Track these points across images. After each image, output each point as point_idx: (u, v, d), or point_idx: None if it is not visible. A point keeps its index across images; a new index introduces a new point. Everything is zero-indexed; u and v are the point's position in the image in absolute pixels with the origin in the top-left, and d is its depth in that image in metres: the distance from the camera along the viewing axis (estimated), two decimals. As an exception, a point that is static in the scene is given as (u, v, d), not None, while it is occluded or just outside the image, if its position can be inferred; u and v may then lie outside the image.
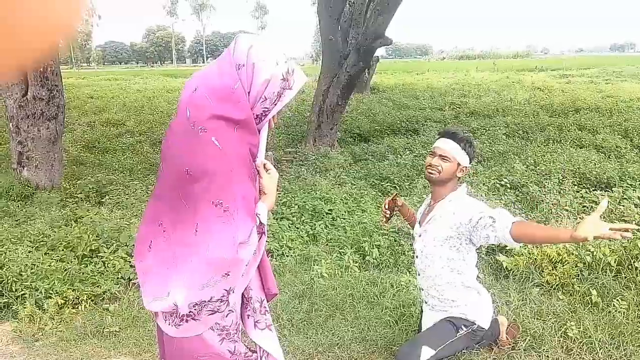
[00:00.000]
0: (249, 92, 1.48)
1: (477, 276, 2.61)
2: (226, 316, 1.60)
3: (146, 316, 3.20)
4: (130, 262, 3.86)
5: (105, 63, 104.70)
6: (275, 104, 1.52)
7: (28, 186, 6.59)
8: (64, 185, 6.71)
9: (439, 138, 2.47)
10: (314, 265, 3.84)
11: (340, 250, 4.25)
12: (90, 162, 8.34)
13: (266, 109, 1.53)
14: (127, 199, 5.94)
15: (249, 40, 1.50)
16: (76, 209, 5.51)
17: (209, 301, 1.54)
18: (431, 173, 2.42)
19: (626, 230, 1.85)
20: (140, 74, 39.14)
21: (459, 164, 2.38)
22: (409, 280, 3.50)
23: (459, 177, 2.46)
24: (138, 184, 6.64)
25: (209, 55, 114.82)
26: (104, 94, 19.71)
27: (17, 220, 5.05)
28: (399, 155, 8.14)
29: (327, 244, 4.43)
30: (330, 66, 9.50)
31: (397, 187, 6.40)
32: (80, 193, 6.34)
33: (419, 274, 2.63)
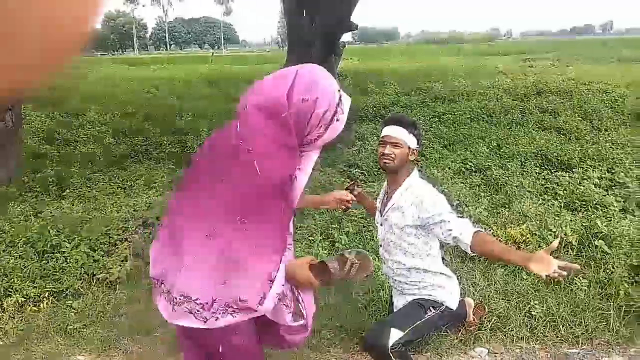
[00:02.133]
0: (308, 122, 1.56)
1: (443, 258, 2.64)
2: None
3: (111, 312, 3.13)
4: (93, 256, 3.76)
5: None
6: (327, 129, 1.60)
7: (-17, 180, 6.33)
8: (23, 179, 6.48)
9: (385, 126, 2.48)
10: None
11: (310, 238, 4.24)
12: (50, 155, 8.06)
13: (321, 134, 1.61)
14: (88, 191, 5.79)
15: (312, 74, 1.58)
16: (35, 204, 5.34)
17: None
18: (386, 162, 2.43)
19: (570, 269, 2.03)
20: (99, 62, 38.01)
21: (409, 148, 2.41)
22: (378, 266, 3.51)
23: (412, 161, 2.47)
24: (100, 175, 6.48)
25: (171, 42, 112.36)
26: (62, 83, 19.03)
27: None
28: (366, 141, 8.17)
29: (295, 232, 4.41)
30: (298, 54, 9.41)
31: (366, 172, 6.43)
32: (40, 187, 6.13)
33: (384, 263, 2.65)
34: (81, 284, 3.48)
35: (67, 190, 5.93)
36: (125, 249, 3.89)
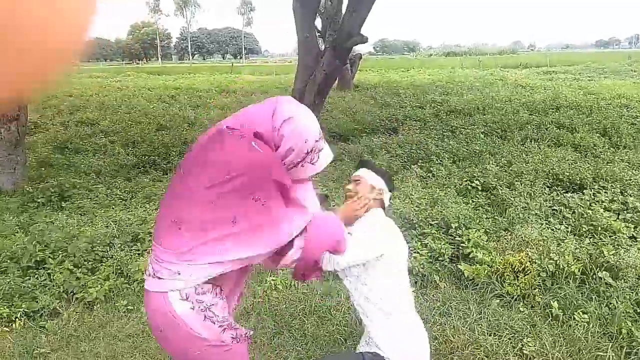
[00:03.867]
0: (274, 150, 1.62)
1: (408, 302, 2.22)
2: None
3: (84, 335, 3.02)
4: (76, 274, 3.67)
5: (90, 60, 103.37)
6: (296, 169, 1.65)
7: (-10, 190, 6.35)
8: (27, 189, 6.47)
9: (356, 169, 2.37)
10: (269, 276, 3.67)
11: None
12: (59, 164, 8.07)
13: (288, 167, 1.65)
14: (87, 203, 5.73)
15: (291, 111, 1.63)
16: (33, 215, 5.30)
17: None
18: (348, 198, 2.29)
19: None
20: (122, 72, 38.65)
21: (373, 187, 2.25)
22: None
23: (379, 201, 2.28)
24: (101, 187, 6.43)
25: (195, 52, 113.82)
26: (82, 93, 19.31)
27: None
28: (375, 155, 8.00)
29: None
30: (307, 64, 9.32)
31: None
32: (42, 197, 6.11)
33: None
34: (59, 303, 3.38)
35: (69, 202, 5.89)
36: (109, 266, 3.79)
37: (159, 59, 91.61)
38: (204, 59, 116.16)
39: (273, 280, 3.60)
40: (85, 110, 14.43)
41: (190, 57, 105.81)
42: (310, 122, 1.66)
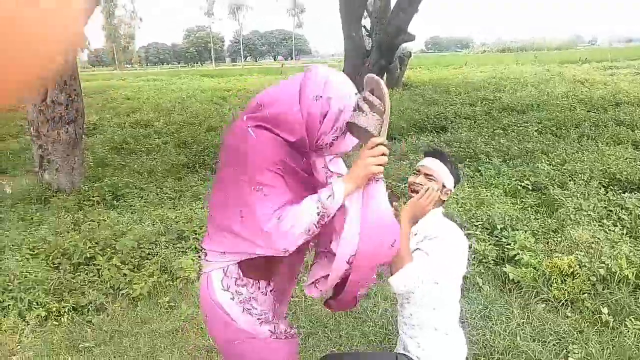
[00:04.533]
0: (321, 122, 1.53)
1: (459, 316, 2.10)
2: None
3: (126, 330, 3.12)
4: (123, 270, 3.80)
5: (148, 64, 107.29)
6: (344, 134, 1.58)
7: (49, 189, 6.68)
8: (84, 188, 6.77)
9: (425, 157, 2.12)
10: (305, 275, 3.66)
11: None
12: (115, 164, 8.41)
13: (335, 138, 1.58)
14: (138, 201, 5.94)
15: (326, 74, 1.55)
16: (88, 213, 5.53)
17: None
18: (414, 191, 2.08)
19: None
20: (178, 74, 39.83)
21: (444, 186, 2.03)
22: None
23: (443, 200, 2.07)
24: (153, 186, 6.64)
25: (247, 55, 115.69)
26: (140, 95, 20.06)
27: (29, 225, 5.09)
28: (421, 155, 7.85)
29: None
30: (353, 64, 9.31)
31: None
32: (97, 196, 6.37)
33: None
34: (105, 298, 3.51)
35: (122, 200, 6.12)
36: (154, 263, 3.90)
37: (212, 61, 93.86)
38: (256, 61, 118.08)
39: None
40: (141, 112, 14.97)
41: (243, 60, 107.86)
42: (343, 77, 1.59)
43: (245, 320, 1.66)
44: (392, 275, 1.81)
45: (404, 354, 2.02)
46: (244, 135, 1.52)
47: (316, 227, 1.49)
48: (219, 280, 1.66)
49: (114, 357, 2.86)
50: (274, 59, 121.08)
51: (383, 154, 1.56)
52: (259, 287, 1.69)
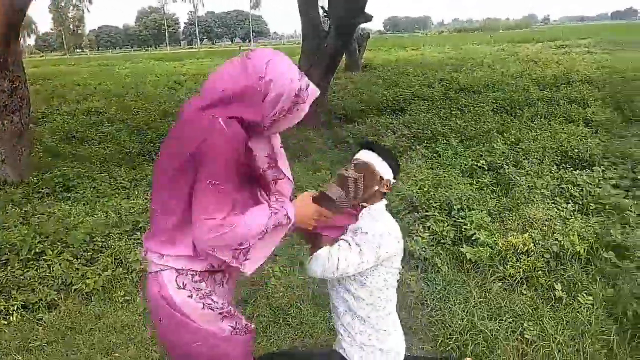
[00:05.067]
0: (263, 101, 1.52)
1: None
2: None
3: (80, 327, 3.01)
4: (75, 265, 3.66)
5: (100, 48, 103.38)
6: (286, 117, 1.58)
7: (-5, 182, 6.36)
8: (32, 180, 6.48)
9: (358, 150, 2.03)
10: (267, 264, 3.61)
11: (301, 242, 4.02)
12: (65, 154, 8.08)
13: (275, 120, 1.57)
14: (90, 192, 5.73)
15: (268, 55, 1.55)
16: (37, 206, 5.30)
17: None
18: None
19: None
20: (131, 59, 38.63)
21: (381, 178, 1.94)
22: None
23: (382, 193, 1.99)
24: (106, 176, 6.42)
25: (203, 37, 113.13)
26: (90, 81, 19.33)
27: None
28: (380, 137, 7.88)
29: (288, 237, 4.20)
30: (311, 46, 9.18)
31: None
32: (47, 188, 6.11)
33: None
34: (57, 295, 3.38)
35: (73, 192, 5.89)
36: (108, 257, 3.77)
37: (167, 44, 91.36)
38: (213, 44, 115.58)
39: (271, 267, 3.55)
40: (92, 98, 14.45)
41: (199, 42, 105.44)
42: (286, 61, 1.58)
43: (206, 319, 1.61)
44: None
45: (336, 351, 1.99)
46: (211, 127, 1.46)
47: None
48: (172, 279, 1.59)
49: (67, 355, 2.75)
50: (232, 41, 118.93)
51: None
52: (215, 280, 1.65)
